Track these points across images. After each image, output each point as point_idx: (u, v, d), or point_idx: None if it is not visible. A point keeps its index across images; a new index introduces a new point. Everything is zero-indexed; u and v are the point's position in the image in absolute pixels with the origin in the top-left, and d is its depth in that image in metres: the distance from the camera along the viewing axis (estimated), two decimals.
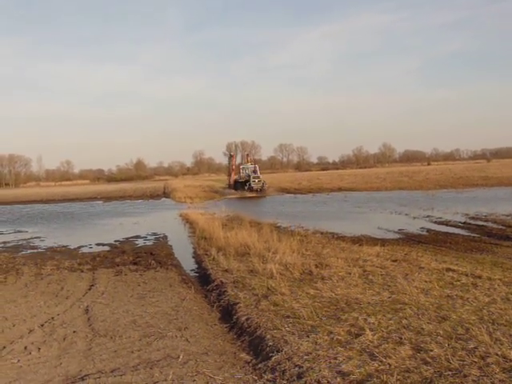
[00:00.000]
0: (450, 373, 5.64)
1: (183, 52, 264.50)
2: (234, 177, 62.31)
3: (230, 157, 68.43)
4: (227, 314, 9.47)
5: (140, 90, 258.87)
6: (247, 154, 68.49)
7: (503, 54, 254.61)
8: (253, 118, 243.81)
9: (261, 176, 57.64)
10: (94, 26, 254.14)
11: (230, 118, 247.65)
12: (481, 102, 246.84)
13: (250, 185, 55.36)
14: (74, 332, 8.47)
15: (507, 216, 23.54)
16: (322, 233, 20.20)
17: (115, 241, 21.64)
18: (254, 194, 54.04)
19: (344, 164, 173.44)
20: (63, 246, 20.58)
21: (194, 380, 6.14)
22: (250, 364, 6.82)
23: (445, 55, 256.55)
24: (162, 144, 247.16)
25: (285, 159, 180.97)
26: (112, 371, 6.53)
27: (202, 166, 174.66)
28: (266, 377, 6.18)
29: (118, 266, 15.10)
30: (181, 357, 6.94)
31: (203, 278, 13.18)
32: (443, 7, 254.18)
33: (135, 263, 15.40)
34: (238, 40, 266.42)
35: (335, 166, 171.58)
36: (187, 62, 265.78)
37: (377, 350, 6.38)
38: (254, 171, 58.59)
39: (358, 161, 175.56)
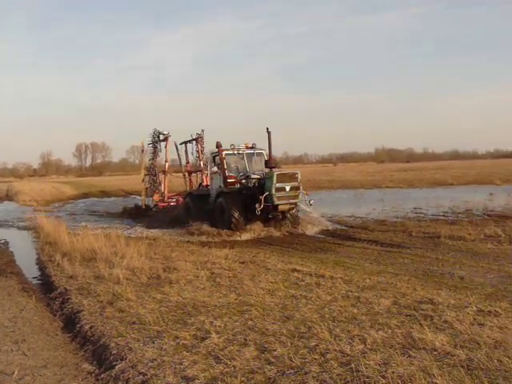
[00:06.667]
0: (292, 371, 5.80)
1: (34, 49, 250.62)
2: (164, 184, 30.59)
3: (156, 141, 30.62)
4: (70, 322, 9.01)
5: None
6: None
7: (350, 66, 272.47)
8: (107, 119, 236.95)
9: (299, 176, 19.52)
10: None
11: (83, 118, 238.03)
12: (329, 110, 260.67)
13: (268, 201, 18.93)
14: None
15: (349, 217, 24.98)
16: (171, 236, 20.05)
17: None
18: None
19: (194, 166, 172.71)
20: None
21: None
22: (93, 374, 6.54)
23: (299, 63, 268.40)
24: (6, 144, 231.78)
25: (137, 161, 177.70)
26: None
27: (49, 167, 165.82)
28: None
29: None
30: (16, 372, 6.47)
31: (46, 286, 12.48)
32: (298, 18, 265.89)
33: None
34: (94, 39, 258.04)
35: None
36: (38, 59, 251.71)
37: (222, 353, 6.41)
38: (269, 165, 19.96)
39: None
